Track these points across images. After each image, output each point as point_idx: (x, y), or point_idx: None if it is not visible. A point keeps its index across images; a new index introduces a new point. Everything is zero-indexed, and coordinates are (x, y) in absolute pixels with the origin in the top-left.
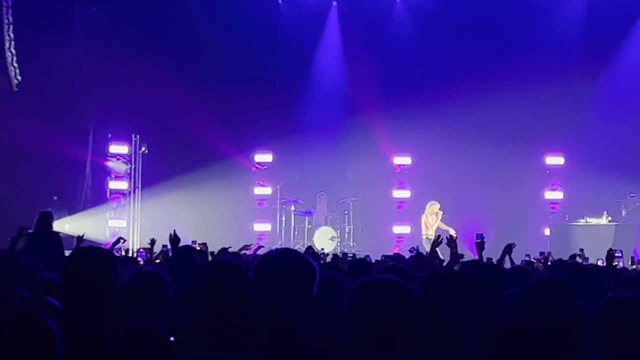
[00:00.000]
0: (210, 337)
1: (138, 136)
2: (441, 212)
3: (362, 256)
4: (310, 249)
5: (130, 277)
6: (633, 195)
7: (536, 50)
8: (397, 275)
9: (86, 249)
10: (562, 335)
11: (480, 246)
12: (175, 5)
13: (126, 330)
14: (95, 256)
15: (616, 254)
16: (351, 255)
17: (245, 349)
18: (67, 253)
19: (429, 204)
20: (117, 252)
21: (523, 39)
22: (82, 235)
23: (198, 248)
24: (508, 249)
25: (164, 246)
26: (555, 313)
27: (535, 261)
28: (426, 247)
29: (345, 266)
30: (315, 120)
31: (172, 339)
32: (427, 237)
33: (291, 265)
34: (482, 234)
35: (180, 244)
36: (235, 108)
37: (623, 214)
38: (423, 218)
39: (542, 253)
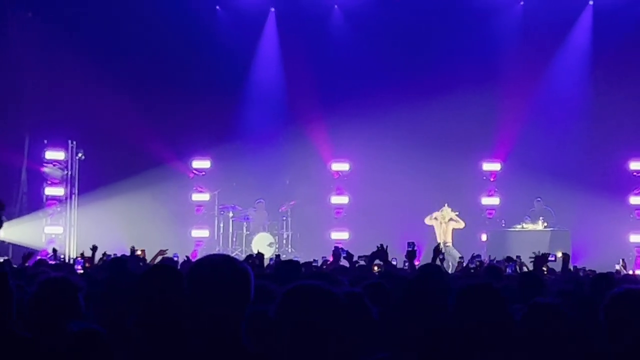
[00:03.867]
0: (149, 342)
1: (74, 142)
2: (453, 213)
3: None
4: (250, 257)
5: (39, 284)
6: (539, 199)
7: (473, 57)
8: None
9: None
10: (491, 340)
11: (411, 254)
12: (112, 10)
13: (71, 336)
14: None
15: (549, 258)
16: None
17: (183, 355)
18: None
19: (441, 210)
20: (52, 260)
21: (460, 45)
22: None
23: (139, 254)
24: (437, 251)
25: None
26: (484, 317)
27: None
28: (449, 255)
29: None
30: (254, 126)
31: None
32: (445, 245)
33: (224, 271)
34: (413, 242)
35: (117, 251)
36: (172, 114)
37: (540, 222)
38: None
39: (477, 256)
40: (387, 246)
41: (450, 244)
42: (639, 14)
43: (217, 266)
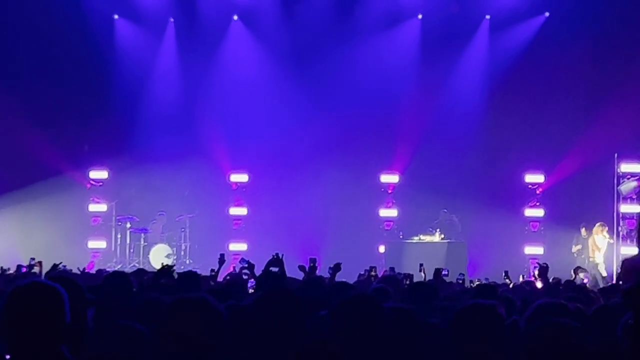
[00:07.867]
0: None
1: None
2: (608, 235)
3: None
4: (141, 271)
5: None
6: (445, 211)
7: (373, 70)
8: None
9: None
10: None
11: (312, 270)
12: (6, 16)
13: None
14: None
15: (443, 272)
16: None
17: None
18: None
19: (597, 224)
20: None
21: (360, 58)
22: None
23: (36, 266)
24: (337, 268)
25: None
26: (361, 328)
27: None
28: (593, 272)
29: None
30: (152, 137)
31: None
32: (593, 261)
33: (34, 297)
34: (315, 259)
35: (12, 263)
36: (69, 124)
37: (437, 234)
38: (590, 241)
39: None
40: (282, 255)
41: (594, 259)
42: (531, 30)
43: (28, 296)
